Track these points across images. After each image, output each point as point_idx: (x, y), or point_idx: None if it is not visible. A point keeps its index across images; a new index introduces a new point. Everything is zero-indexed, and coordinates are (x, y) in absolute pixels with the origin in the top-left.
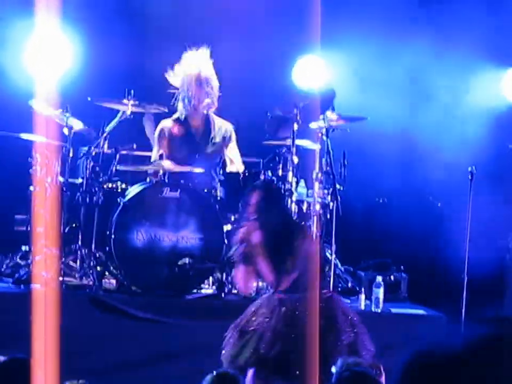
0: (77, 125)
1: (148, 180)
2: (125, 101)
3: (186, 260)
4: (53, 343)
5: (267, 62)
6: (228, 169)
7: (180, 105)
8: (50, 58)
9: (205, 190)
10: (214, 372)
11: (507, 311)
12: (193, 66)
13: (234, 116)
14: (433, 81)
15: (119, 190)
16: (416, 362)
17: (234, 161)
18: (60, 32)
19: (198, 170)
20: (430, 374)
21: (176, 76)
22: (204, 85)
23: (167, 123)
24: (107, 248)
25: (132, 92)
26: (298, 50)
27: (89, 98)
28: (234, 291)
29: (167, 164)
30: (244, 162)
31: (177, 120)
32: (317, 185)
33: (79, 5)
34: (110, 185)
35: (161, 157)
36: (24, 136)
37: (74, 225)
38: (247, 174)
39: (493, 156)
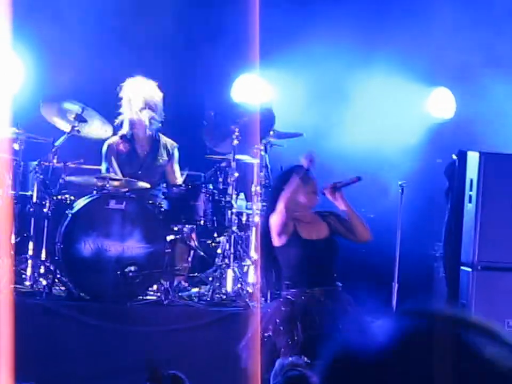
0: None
1: (94, 192)
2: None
3: (132, 268)
4: (4, 348)
5: (207, 79)
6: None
7: (126, 124)
8: (1, 77)
9: (150, 202)
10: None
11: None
12: (137, 90)
13: (177, 130)
14: (364, 99)
15: (68, 202)
16: (341, 359)
17: (176, 177)
18: (10, 50)
19: (143, 185)
20: (355, 371)
21: (122, 99)
22: (147, 108)
23: (113, 139)
24: (56, 258)
25: (80, 108)
26: (237, 68)
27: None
28: (177, 297)
29: (113, 178)
30: (186, 175)
31: (124, 137)
32: (255, 198)
33: (29, 22)
34: (58, 197)
35: (108, 170)
36: None
37: (25, 235)
38: (189, 187)
39: (422, 170)
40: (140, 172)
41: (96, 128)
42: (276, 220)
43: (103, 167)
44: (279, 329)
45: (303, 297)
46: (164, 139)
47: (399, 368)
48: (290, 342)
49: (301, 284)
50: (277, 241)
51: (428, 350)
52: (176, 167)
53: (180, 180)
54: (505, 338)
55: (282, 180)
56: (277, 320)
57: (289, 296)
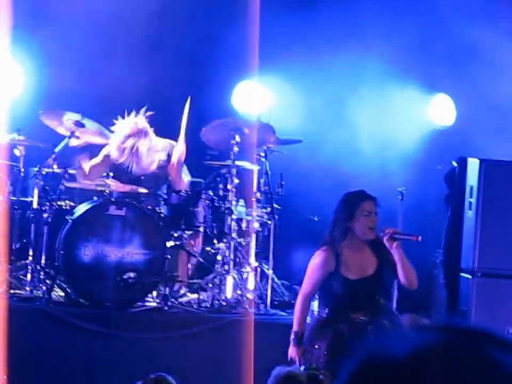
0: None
1: (95, 198)
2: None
3: (131, 274)
4: (2, 353)
5: (207, 86)
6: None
7: None
8: (1, 83)
9: (149, 208)
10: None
11: (434, 321)
12: (122, 131)
13: (177, 137)
14: (364, 106)
15: (68, 208)
16: (365, 368)
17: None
18: (10, 57)
19: (143, 190)
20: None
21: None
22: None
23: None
24: (56, 263)
25: (80, 114)
26: (237, 75)
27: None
28: (177, 304)
29: (113, 184)
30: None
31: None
32: (255, 204)
33: (29, 28)
34: (59, 203)
35: (107, 176)
36: None
37: (25, 241)
38: (189, 193)
39: (422, 177)
40: (141, 178)
41: (95, 134)
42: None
43: (104, 151)
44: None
45: (343, 322)
46: (162, 141)
47: (419, 380)
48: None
49: (340, 311)
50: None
51: (447, 364)
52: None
53: (183, 180)
54: None
55: (346, 214)
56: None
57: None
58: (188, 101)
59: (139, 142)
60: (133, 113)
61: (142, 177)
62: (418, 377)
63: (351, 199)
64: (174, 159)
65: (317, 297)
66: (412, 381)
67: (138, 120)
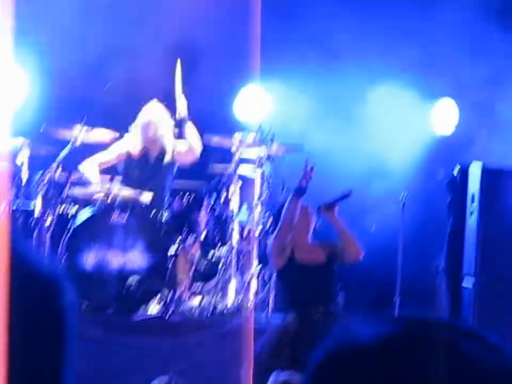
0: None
1: (97, 204)
2: (77, 130)
3: (134, 280)
4: (3, 360)
5: (209, 92)
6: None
7: (134, 132)
8: (4, 89)
9: (152, 214)
10: None
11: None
12: (145, 116)
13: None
14: (366, 112)
15: (70, 214)
16: (332, 355)
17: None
18: (14, 62)
19: (145, 197)
20: (346, 366)
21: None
22: (153, 132)
23: (122, 146)
24: None
25: (83, 120)
26: (239, 83)
27: (41, 129)
28: (179, 311)
29: (116, 189)
30: (188, 188)
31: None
32: (257, 210)
33: (34, 33)
34: (61, 209)
35: (111, 180)
36: None
37: None
38: (191, 199)
39: (424, 184)
40: (148, 176)
41: (101, 135)
42: (273, 243)
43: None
44: (277, 346)
45: (300, 317)
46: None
47: (382, 368)
48: (284, 360)
49: (298, 305)
50: (275, 265)
51: (414, 353)
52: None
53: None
54: (489, 340)
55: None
56: (276, 336)
57: (288, 315)
58: (178, 64)
59: (161, 127)
60: (153, 102)
61: (155, 170)
62: (384, 365)
63: None
64: (188, 142)
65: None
66: (378, 369)
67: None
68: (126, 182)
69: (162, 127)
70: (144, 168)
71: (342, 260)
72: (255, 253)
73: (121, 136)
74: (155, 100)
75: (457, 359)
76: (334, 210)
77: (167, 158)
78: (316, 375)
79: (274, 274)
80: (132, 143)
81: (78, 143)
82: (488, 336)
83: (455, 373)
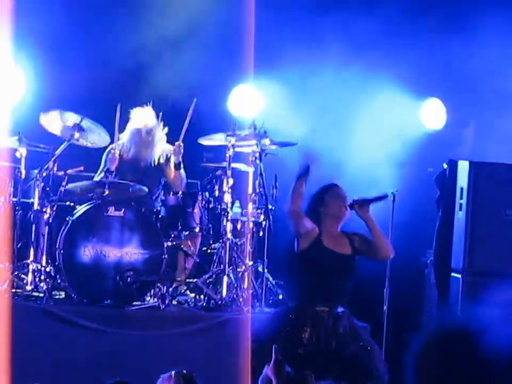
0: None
1: (94, 199)
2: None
3: (130, 274)
4: (5, 350)
5: (203, 89)
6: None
7: (126, 132)
8: (2, 87)
9: (147, 209)
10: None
11: (425, 321)
12: (139, 120)
13: (174, 140)
14: (357, 109)
15: (68, 209)
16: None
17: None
18: (11, 61)
19: (141, 190)
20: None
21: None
22: (147, 136)
23: (114, 146)
24: (56, 263)
25: (80, 118)
26: (233, 79)
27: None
28: (174, 302)
29: (113, 187)
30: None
31: (124, 144)
32: (250, 205)
33: (30, 32)
34: (59, 204)
35: (107, 177)
36: None
37: (26, 241)
38: (186, 195)
39: (413, 179)
40: (141, 177)
41: (95, 137)
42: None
43: (100, 172)
44: (285, 334)
45: (311, 311)
46: (162, 144)
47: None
48: (291, 351)
49: (312, 298)
50: (299, 245)
51: None
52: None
53: (181, 181)
54: None
55: (317, 201)
56: (283, 326)
57: (298, 306)
58: (193, 104)
59: (154, 131)
60: (147, 106)
61: (141, 177)
62: (485, 349)
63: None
64: (173, 161)
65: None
66: (478, 354)
67: (150, 111)
68: (123, 177)
69: (155, 130)
70: (137, 170)
71: (373, 256)
72: (248, 246)
73: (112, 139)
74: (147, 104)
75: None
76: (368, 209)
77: (160, 161)
78: (422, 357)
79: (297, 258)
80: (124, 145)
81: (74, 141)
82: None
83: None
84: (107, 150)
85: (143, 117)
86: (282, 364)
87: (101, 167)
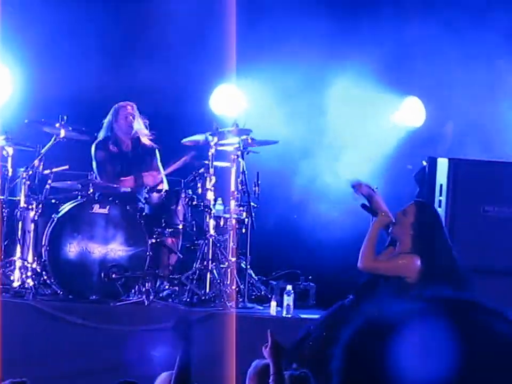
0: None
1: (79, 197)
2: (57, 125)
3: (115, 270)
4: None
5: (186, 89)
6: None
7: (110, 127)
8: None
9: (132, 207)
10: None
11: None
12: (124, 113)
13: (157, 138)
14: (337, 107)
15: (54, 207)
16: (362, 331)
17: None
18: None
19: (126, 189)
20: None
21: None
22: (130, 109)
23: (101, 140)
24: (43, 260)
25: (65, 117)
26: (215, 79)
27: (26, 121)
28: (158, 298)
29: (97, 185)
30: (167, 181)
31: (110, 138)
32: (233, 202)
33: (18, 32)
34: (45, 202)
35: (99, 169)
36: None
37: (12, 238)
38: (169, 192)
39: (393, 176)
40: (127, 170)
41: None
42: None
43: (94, 165)
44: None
45: None
46: (146, 141)
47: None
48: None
49: None
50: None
51: (442, 327)
52: (160, 168)
53: (164, 181)
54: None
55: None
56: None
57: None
58: (189, 156)
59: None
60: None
61: (126, 170)
62: (412, 340)
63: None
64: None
65: None
66: (406, 344)
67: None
68: (105, 175)
69: (138, 122)
70: (123, 162)
71: None
72: (231, 243)
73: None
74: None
75: (484, 335)
76: None
77: (144, 151)
78: (350, 349)
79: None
80: (110, 139)
81: (59, 139)
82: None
83: (483, 349)
84: (94, 144)
85: (125, 109)
86: (279, 346)
87: (93, 161)
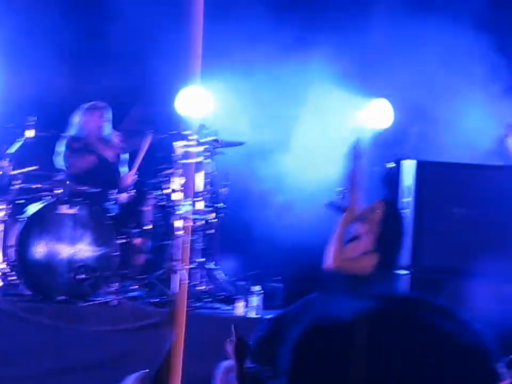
0: None
1: (47, 197)
2: (27, 127)
3: (83, 271)
4: None
5: (151, 91)
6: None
7: (79, 125)
8: None
9: (100, 207)
10: None
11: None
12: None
13: (124, 139)
14: (303, 108)
15: (22, 207)
16: (312, 330)
17: (126, 178)
18: None
19: (94, 189)
20: (325, 340)
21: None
22: (97, 114)
23: (70, 139)
24: (11, 260)
25: (35, 118)
26: (180, 81)
27: None
28: (126, 299)
29: (66, 185)
30: (135, 182)
31: (78, 138)
32: (201, 203)
33: None
34: (14, 203)
35: (61, 174)
36: None
37: None
38: (138, 193)
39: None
40: (94, 170)
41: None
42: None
43: (58, 162)
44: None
45: None
46: (114, 141)
47: (361, 342)
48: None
49: None
50: None
51: (388, 326)
52: (126, 169)
53: (130, 181)
54: (460, 316)
55: None
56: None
57: None
58: (149, 138)
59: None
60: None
61: (94, 170)
62: (362, 338)
63: None
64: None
65: None
66: (355, 343)
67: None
68: (73, 174)
69: (107, 118)
70: (88, 159)
71: None
72: (199, 243)
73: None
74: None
75: (430, 333)
76: None
77: (112, 149)
78: (296, 350)
79: None
80: (79, 138)
81: (28, 140)
82: (459, 312)
83: (428, 347)
84: (62, 142)
85: (93, 109)
86: (243, 343)
87: (58, 157)
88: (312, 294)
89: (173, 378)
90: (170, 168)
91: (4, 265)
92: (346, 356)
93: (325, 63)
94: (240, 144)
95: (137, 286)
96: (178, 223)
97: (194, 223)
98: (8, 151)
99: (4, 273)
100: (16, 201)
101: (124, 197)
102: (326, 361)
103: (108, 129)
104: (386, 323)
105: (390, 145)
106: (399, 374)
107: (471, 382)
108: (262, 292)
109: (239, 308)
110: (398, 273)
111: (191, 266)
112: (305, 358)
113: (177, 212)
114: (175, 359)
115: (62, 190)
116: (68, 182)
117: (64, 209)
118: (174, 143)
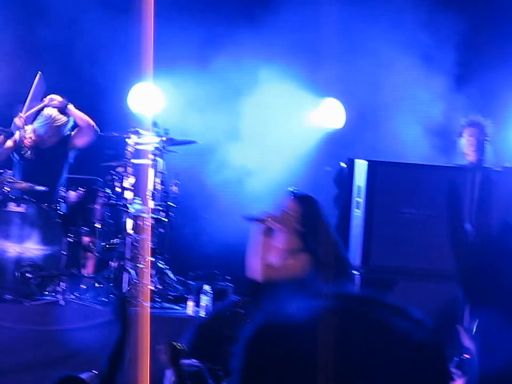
0: None
1: None
2: None
3: (30, 269)
4: None
5: (103, 87)
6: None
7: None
8: None
9: (48, 205)
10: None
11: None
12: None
13: None
14: (256, 107)
15: None
16: (261, 331)
17: None
18: None
19: (41, 188)
20: (274, 341)
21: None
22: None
23: (17, 136)
24: None
25: None
26: (133, 78)
27: None
28: (74, 298)
29: (11, 181)
30: (84, 180)
31: (26, 136)
32: (151, 202)
33: None
34: None
35: (5, 172)
36: None
37: None
38: (87, 191)
39: (311, 178)
40: (42, 169)
41: None
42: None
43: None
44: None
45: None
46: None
47: (313, 341)
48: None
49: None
50: None
51: (340, 325)
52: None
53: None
54: (412, 315)
55: None
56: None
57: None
58: (37, 77)
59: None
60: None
61: (42, 169)
62: (312, 338)
63: None
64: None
65: None
66: (307, 342)
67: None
68: (21, 172)
69: (58, 115)
70: (39, 156)
71: None
72: (148, 242)
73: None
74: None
75: (382, 332)
76: None
77: (63, 145)
78: (247, 349)
79: None
80: (25, 132)
81: None
82: (412, 311)
83: (380, 345)
84: (10, 140)
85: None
86: (175, 349)
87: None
88: (239, 296)
89: (140, 379)
90: (120, 166)
91: None
92: (299, 354)
93: (278, 62)
94: (191, 142)
95: (85, 286)
96: (128, 222)
97: (143, 221)
98: None
99: None
100: None
101: (72, 195)
102: (278, 359)
103: None
104: (339, 321)
105: (342, 145)
106: (353, 372)
107: (425, 380)
108: (212, 291)
109: (189, 308)
110: (351, 272)
111: (141, 265)
112: (257, 356)
113: (128, 211)
114: (137, 359)
115: (9, 188)
116: (15, 180)
117: (12, 207)
118: (125, 140)
